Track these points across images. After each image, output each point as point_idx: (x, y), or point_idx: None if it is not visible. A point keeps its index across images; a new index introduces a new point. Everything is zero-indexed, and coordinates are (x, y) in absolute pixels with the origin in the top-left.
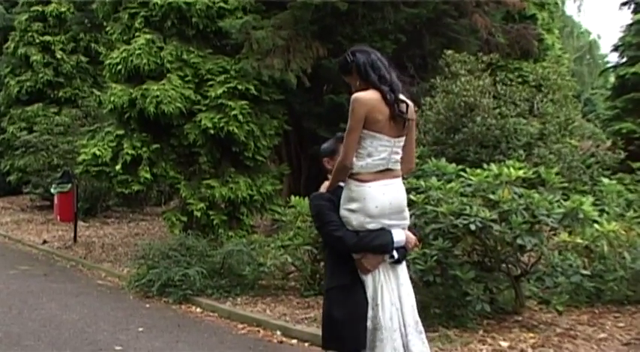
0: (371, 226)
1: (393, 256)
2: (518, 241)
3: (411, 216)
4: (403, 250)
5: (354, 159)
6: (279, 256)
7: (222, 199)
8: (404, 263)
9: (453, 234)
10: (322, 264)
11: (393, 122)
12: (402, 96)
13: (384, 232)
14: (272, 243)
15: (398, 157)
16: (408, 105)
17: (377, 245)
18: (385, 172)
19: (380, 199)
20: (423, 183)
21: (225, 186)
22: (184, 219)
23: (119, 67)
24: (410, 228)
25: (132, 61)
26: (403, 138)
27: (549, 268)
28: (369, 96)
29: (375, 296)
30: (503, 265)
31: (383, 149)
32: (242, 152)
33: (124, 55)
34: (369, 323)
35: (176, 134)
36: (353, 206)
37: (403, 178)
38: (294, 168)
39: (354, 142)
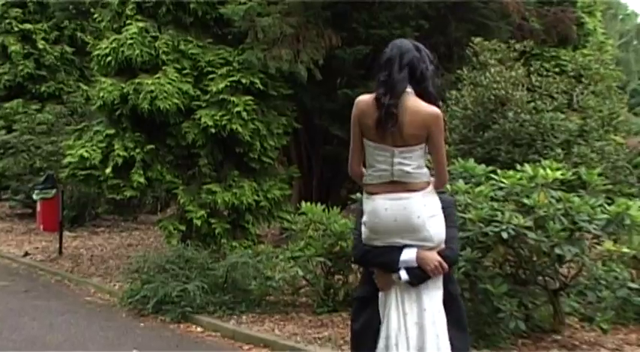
0: (377, 243)
1: (400, 277)
2: (557, 251)
3: None
4: (418, 271)
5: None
6: (289, 269)
7: (224, 206)
8: (434, 287)
9: (483, 244)
10: (337, 277)
11: (382, 129)
12: (410, 100)
13: (391, 250)
14: (281, 254)
15: (409, 169)
16: (394, 113)
17: (380, 262)
18: (393, 184)
19: (382, 215)
20: (448, 186)
21: (228, 192)
22: (183, 228)
23: (109, 58)
24: (442, 253)
25: (123, 51)
26: (411, 148)
27: (592, 281)
28: (362, 98)
29: (384, 317)
30: (540, 278)
31: (382, 159)
32: (247, 153)
33: (114, 45)
34: (381, 343)
35: (173, 133)
36: (364, 218)
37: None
38: (304, 171)
39: (353, 150)
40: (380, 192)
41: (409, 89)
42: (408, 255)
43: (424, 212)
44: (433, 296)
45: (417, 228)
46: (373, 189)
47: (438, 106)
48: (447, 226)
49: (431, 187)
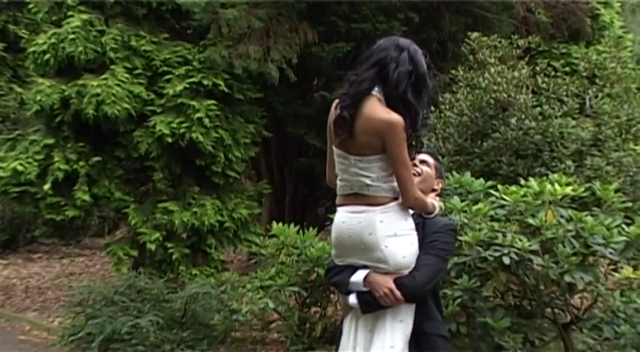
0: (338, 261)
1: (349, 301)
2: (567, 278)
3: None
4: (368, 297)
5: None
6: (258, 300)
7: (183, 227)
8: (393, 319)
9: (482, 270)
10: (313, 309)
11: (336, 135)
12: (369, 104)
13: (347, 270)
14: (248, 283)
15: (367, 181)
16: (346, 118)
17: (334, 282)
18: (354, 197)
19: (339, 229)
20: (441, 204)
21: (188, 211)
22: (134, 253)
23: (47, 56)
24: (399, 280)
25: (64, 48)
26: (367, 158)
27: (608, 313)
28: (334, 103)
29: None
30: (548, 310)
31: (343, 168)
32: (209, 166)
33: (54, 40)
34: None
35: (123, 143)
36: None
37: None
38: (276, 186)
39: (329, 156)
40: (343, 204)
41: (376, 92)
42: (357, 277)
43: (379, 229)
44: (391, 330)
45: (369, 246)
46: (339, 200)
47: (413, 114)
48: (425, 252)
49: (395, 204)
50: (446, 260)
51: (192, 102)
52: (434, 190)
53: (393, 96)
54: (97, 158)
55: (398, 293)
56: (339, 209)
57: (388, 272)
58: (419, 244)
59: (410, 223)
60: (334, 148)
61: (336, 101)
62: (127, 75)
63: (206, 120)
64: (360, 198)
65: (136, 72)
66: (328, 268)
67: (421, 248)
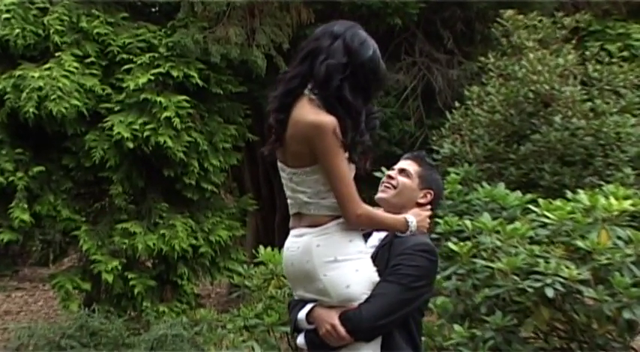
0: (294, 295)
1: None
2: (626, 315)
3: (451, 275)
4: (312, 335)
5: None
6: (241, 344)
7: (147, 253)
8: None
9: (520, 305)
10: None
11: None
12: (298, 106)
13: (299, 305)
14: (229, 322)
15: (304, 197)
16: (270, 124)
17: (289, 320)
18: (298, 217)
19: (284, 256)
20: (468, 223)
21: (153, 233)
22: (86, 286)
23: None
24: (344, 314)
25: None
26: (300, 170)
27: None
28: None
29: None
30: None
31: (284, 183)
32: (180, 177)
33: None
34: None
35: (72, 149)
36: None
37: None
38: (263, 202)
39: None
40: (291, 227)
41: (308, 91)
42: (302, 313)
43: (315, 255)
44: None
45: (308, 276)
46: (290, 222)
47: (355, 114)
48: (384, 279)
49: (335, 224)
50: (412, 288)
51: (159, 98)
52: (419, 204)
53: (326, 95)
54: (40, 168)
55: (341, 330)
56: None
57: (332, 305)
58: (384, 269)
59: (357, 245)
60: None
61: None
62: (76, 64)
63: (176, 121)
64: (302, 219)
65: (88, 60)
66: (288, 303)
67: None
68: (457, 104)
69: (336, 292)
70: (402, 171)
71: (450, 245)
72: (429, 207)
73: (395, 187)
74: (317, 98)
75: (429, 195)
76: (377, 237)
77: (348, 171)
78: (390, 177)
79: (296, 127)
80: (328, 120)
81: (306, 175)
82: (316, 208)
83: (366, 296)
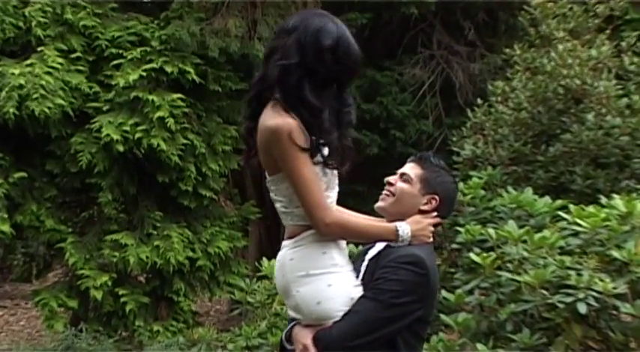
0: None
1: None
2: None
3: (473, 289)
4: None
5: None
6: None
7: (140, 268)
8: None
9: (549, 322)
10: None
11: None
12: (265, 111)
13: (290, 323)
14: (230, 342)
15: (279, 206)
16: (242, 132)
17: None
18: (286, 229)
19: (275, 273)
20: (492, 232)
21: (147, 245)
22: (73, 303)
23: None
24: (316, 334)
25: None
26: (272, 179)
27: None
28: None
29: None
30: None
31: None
32: (175, 183)
33: None
34: None
35: (57, 153)
36: None
37: None
38: (267, 210)
39: None
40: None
41: (277, 93)
42: (284, 332)
43: (288, 269)
44: None
45: (285, 291)
46: None
47: (317, 113)
48: (363, 295)
49: (309, 234)
50: (393, 305)
51: (151, 97)
52: (422, 211)
53: (286, 97)
54: (21, 173)
55: (312, 350)
56: None
57: (309, 323)
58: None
59: (331, 258)
60: None
61: None
62: (60, 59)
63: (170, 121)
64: (287, 230)
65: (74, 55)
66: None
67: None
68: (479, 101)
69: (307, 309)
70: (402, 175)
71: (472, 256)
72: (433, 214)
73: (394, 194)
74: (280, 101)
75: (433, 201)
76: (377, 248)
77: (311, 175)
78: (389, 183)
79: (259, 134)
80: (282, 123)
81: (279, 182)
82: (292, 218)
83: (342, 314)
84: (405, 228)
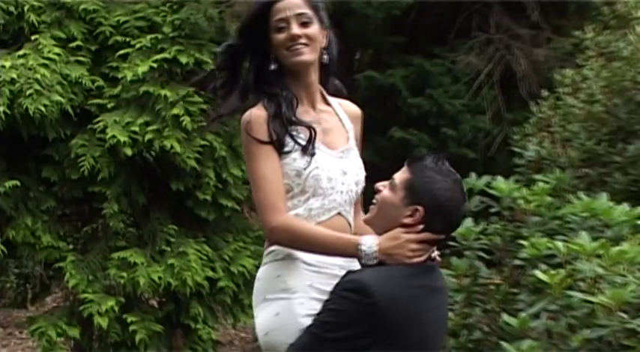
0: None
1: None
2: None
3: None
4: None
5: None
6: None
7: (152, 290)
8: None
9: (630, 350)
10: None
11: None
12: None
13: None
14: None
15: None
16: None
17: None
18: None
19: None
20: (561, 245)
21: (159, 264)
22: (74, 332)
23: None
24: None
25: None
26: None
27: None
28: None
29: None
30: None
31: None
32: (192, 192)
33: None
34: None
35: (55, 158)
36: None
37: None
38: None
39: None
40: None
41: None
42: None
43: (254, 292)
44: None
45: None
46: None
47: (271, 98)
48: (305, 327)
49: (274, 248)
50: (327, 340)
51: (164, 92)
52: (404, 225)
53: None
54: (13, 182)
55: None
56: None
57: None
58: None
59: (283, 281)
60: None
61: None
62: (58, 49)
63: (186, 120)
64: None
65: (73, 44)
66: None
67: None
68: (545, 93)
69: (260, 339)
70: (390, 181)
71: (538, 274)
72: (419, 227)
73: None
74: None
75: (417, 213)
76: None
77: (266, 172)
78: (377, 190)
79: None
80: (243, 117)
81: None
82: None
83: (284, 347)
84: (371, 243)
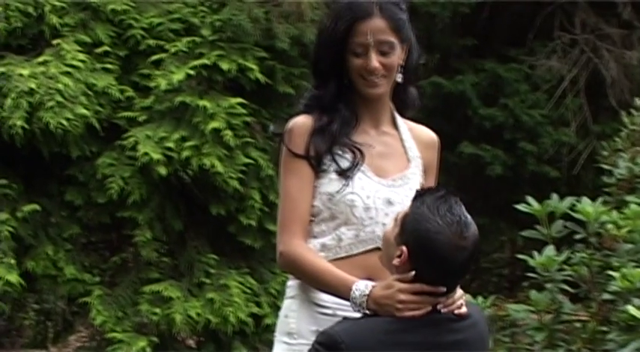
0: None
1: None
2: None
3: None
4: None
5: None
6: None
7: (189, 328)
8: None
9: None
10: None
11: None
12: None
13: None
14: None
15: None
16: None
17: None
18: None
19: None
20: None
21: (198, 298)
22: None
23: None
24: None
25: None
26: None
27: None
28: None
29: None
30: None
31: None
32: (234, 216)
33: None
34: None
35: (79, 179)
36: None
37: None
38: None
39: None
40: None
41: None
42: None
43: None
44: None
45: None
46: None
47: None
48: None
49: (289, 283)
50: None
51: (202, 102)
52: (396, 267)
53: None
54: (33, 206)
55: None
56: None
57: None
58: None
59: (287, 324)
60: None
61: None
62: (82, 56)
63: (228, 135)
64: None
65: (100, 50)
66: None
67: None
68: (638, 101)
69: None
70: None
71: (631, 309)
72: (411, 274)
73: None
74: None
75: (403, 255)
76: None
77: (290, 189)
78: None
79: None
80: (287, 123)
81: None
82: None
83: None
84: (362, 290)
